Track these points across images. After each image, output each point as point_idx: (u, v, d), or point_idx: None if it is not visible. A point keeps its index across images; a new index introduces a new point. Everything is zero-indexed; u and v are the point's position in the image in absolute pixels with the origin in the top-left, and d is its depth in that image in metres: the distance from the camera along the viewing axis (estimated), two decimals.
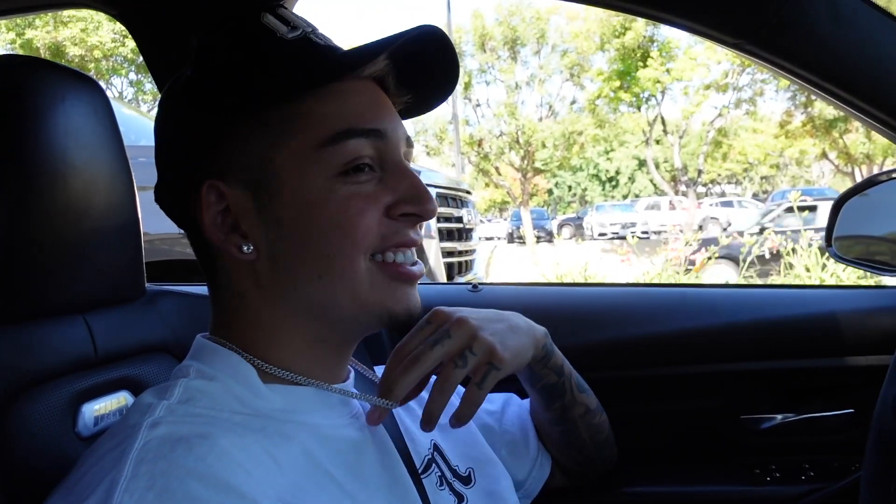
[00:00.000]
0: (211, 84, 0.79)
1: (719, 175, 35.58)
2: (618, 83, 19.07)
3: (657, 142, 24.43)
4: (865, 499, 0.98)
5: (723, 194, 36.70)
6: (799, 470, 1.32)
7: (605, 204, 30.99)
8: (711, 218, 24.27)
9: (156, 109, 0.89)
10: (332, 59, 0.79)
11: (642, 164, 32.34)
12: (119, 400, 1.01)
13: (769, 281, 8.05)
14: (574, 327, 1.44)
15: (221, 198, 0.78)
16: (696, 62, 17.94)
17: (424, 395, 1.06)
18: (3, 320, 0.90)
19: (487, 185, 27.22)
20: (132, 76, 19.84)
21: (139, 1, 1.21)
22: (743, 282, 8.13)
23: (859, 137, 18.88)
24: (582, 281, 8.48)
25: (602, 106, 20.73)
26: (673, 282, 7.41)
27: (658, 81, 18.46)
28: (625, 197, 36.65)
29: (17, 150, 0.87)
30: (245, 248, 0.77)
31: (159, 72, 1.28)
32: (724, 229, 24.25)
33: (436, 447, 0.99)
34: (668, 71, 18.36)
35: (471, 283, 1.54)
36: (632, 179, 38.70)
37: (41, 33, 16.94)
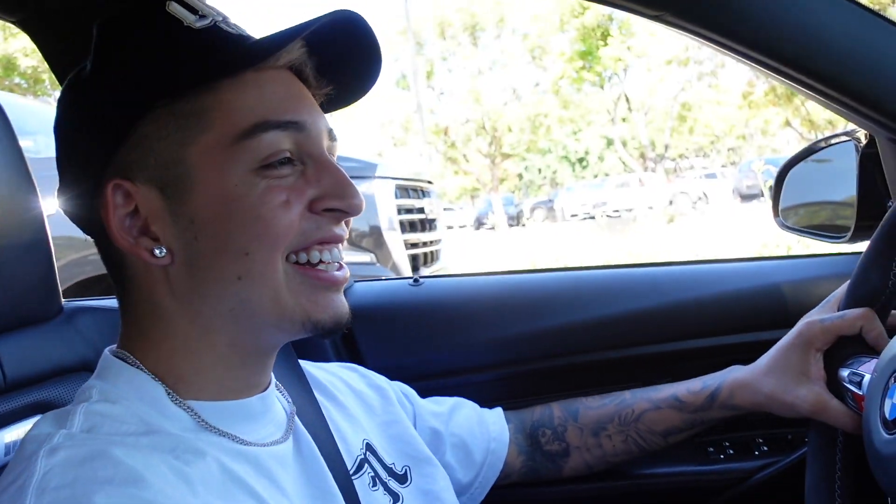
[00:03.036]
0: (115, 76, 0.74)
1: (687, 149, 35.92)
2: (580, 63, 19.11)
3: (623, 120, 24.55)
4: (812, 470, 0.96)
5: (691, 168, 37.04)
6: (752, 445, 1.30)
7: (574, 185, 31.11)
8: (681, 192, 24.52)
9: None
10: (244, 46, 0.75)
11: (611, 142, 32.48)
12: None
13: None
14: (519, 316, 1.42)
15: (129, 198, 0.72)
16: (656, 38, 18.03)
17: (363, 388, 1.07)
18: None
19: (456, 172, 27.19)
20: None
21: (39, 6, 1.15)
22: None
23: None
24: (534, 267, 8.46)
25: (566, 87, 20.77)
26: (614, 263, 7.48)
27: (620, 59, 18.51)
28: (595, 177, 36.78)
29: None
30: (157, 251, 0.72)
31: (65, 74, 1.21)
32: (695, 203, 24.59)
33: (368, 446, 0.96)
34: (628, 48, 18.42)
35: (412, 278, 1.51)
36: (601, 159, 38.82)
37: None
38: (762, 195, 21.97)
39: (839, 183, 1.25)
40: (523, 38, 21.01)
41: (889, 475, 0.74)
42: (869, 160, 1.13)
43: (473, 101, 20.89)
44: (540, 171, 40.64)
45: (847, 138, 1.20)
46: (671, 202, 23.82)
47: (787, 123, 20.71)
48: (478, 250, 14.59)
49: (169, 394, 0.73)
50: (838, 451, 0.93)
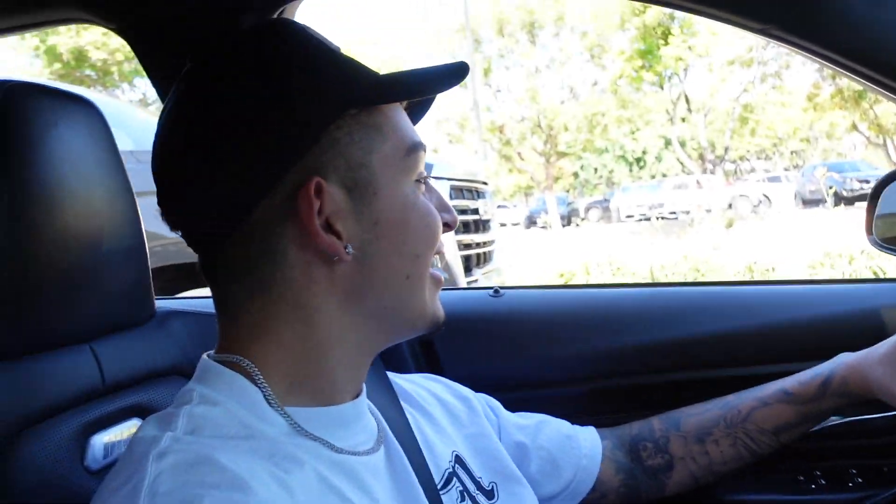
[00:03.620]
0: (309, 82, 0.76)
1: (748, 151, 35.13)
2: (639, 62, 18.81)
3: (683, 120, 24.09)
4: None
5: (753, 171, 36.27)
6: (846, 476, 1.24)
7: (630, 185, 30.68)
8: (741, 196, 24.00)
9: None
10: (416, 77, 0.81)
11: (669, 143, 31.95)
12: (130, 428, 0.98)
13: None
14: (602, 331, 1.39)
15: (317, 197, 0.74)
16: (718, 37, 17.63)
17: (449, 398, 1.07)
18: (5, 356, 0.87)
19: (511, 170, 27.09)
20: None
21: (137, 14, 1.18)
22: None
23: (890, 107, 18.43)
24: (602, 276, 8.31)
25: (624, 86, 20.48)
26: (703, 280, 7.28)
27: (680, 59, 18.16)
28: (653, 177, 36.23)
29: (6, 179, 0.85)
30: (348, 248, 0.75)
31: (164, 84, 1.23)
32: (755, 206, 24.01)
33: (457, 458, 0.96)
34: (690, 48, 18.06)
35: (492, 288, 1.51)
36: (659, 159, 38.22)
37: (65, 39, 17.07)
38: (825, 201, 21.37)
39: None
40: (582, 35, 20.78)
41: None
42: None
43: (530, 99, 20.77)
44: (596, 170, 40.18)
45: None
46: (731, 205, 23.33)
47: (854, 127, 20.10)
48: (528, 249, 14.51)
49: (267, 399, 0.74)
50: None
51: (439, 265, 0.86)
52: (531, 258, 12.62)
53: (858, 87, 18.05)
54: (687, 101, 20.24)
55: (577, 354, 1.39)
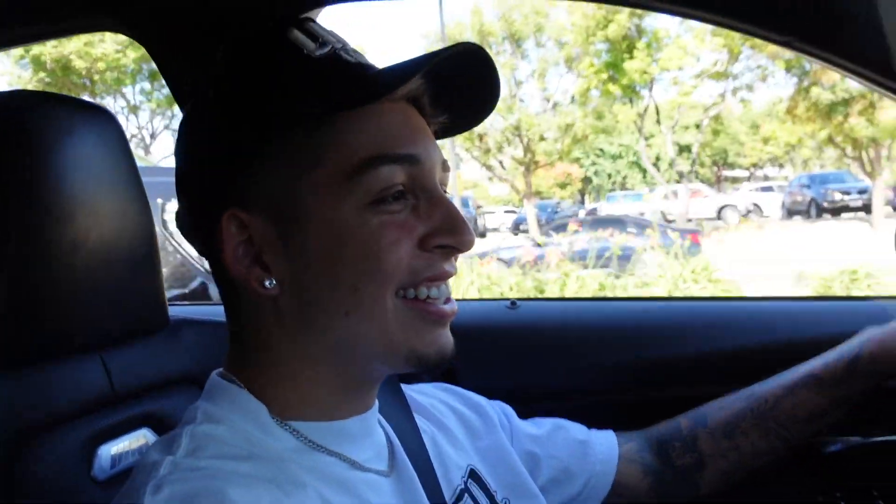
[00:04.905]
0: (233, 106, 0.74)
1: (760, 159, 34.88)
2: (605, 75, 19.00)
3: (648, 137, 24.00)
4: None
5: (766, 178, 36.00)
6: (868, 498, 1.17)
7: (616, 194, 30.71)
8: (727, 205, 23.93)
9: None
10: (364, 79, 0.74)
11: (682, 149, 31.88)
12: (139, 439, 0.99)
13: None
14: (621, 344, 1.38)
15: (243, 228, 0.73)
16: (684, 51, 17.75)
17: (464, 409, 1.05)
18: (12, 363, 0.87)
19: (492, 179, 27.28)
20: (145, 85, 20.51)
21: (158, 22, 1.18)
22: None
23: (861, 122, 18.26)
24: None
25: (598, 98, 20.68)
26: (728, 295, 6.85)
27: (645, 72, 18.30)
28: (668, 182, 36.11)
29: (21, 189, 0.85)
30: (267, 282, 0.72)
31: (183, 94, 1.23)
32: (744, 216, 23.84)
33: (472, 473, 0.94)
34: (655, 61, 18.20)
35: (509, 301, 1.50)
36: (671, 165, 37.99)
37: (48, 48, 17.44)
38: (808, 213, 21.19)
39: None
40: (561, 47, 20.94)
41: None
42: None
43: (506, 110, 21.00)
44: (610, 175, 40.10)
45: None
46: (719, 215, 23.30)
47: (830, 140, 20.01)
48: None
49: (272, 417, 0.74)
50: None
51: (448, 293, 0.76)
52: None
53: (831, 100, 17.98)
54: (657, 112, 20.33)
55: (594, 367, 1.38)
